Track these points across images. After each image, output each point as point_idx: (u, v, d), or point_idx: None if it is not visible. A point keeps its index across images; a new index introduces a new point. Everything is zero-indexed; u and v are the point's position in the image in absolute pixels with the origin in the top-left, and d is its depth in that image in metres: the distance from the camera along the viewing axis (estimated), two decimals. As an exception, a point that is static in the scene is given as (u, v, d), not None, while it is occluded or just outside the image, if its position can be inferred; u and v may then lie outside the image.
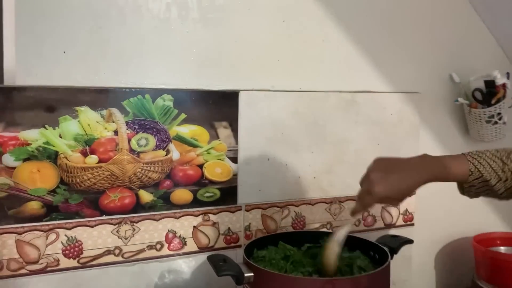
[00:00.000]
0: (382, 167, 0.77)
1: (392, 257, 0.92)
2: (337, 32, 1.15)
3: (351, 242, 0.96)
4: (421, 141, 1.27)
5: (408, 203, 1.26)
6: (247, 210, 1.08)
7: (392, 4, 1.21)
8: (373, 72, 1.21)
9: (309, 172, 1.15)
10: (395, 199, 0.77)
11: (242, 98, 1.05)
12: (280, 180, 1.11)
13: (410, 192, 0.77)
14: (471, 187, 0.79)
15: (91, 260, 0.94)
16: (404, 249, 1.27)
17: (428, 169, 0.77)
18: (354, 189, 0.91)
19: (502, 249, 1.24)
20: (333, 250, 0.83)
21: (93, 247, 0.94)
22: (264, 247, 0.97)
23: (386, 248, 0.91)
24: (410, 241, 0.97)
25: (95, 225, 0.94)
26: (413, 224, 1.28)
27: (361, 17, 1.18)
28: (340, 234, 0.84)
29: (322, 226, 1.17)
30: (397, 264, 1.27)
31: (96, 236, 0.94)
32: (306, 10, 1.11)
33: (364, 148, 1.20)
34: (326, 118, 1.16)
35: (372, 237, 1.05)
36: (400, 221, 1.26)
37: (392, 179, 0.75)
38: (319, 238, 0.99)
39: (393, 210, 1.25)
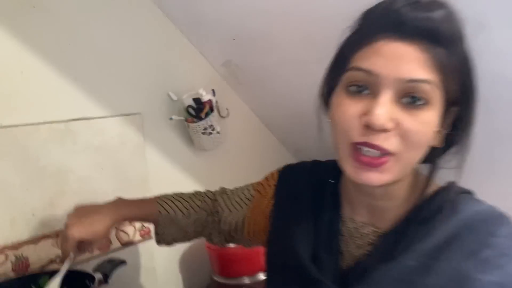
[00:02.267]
0: (78, 213, 0.87)
1: (107, 282, 0.95)
2: (39, 63, 1.11)
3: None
4: (148, 159, 1.34)
5: (143, 219, 1.32)
6: None
7: (104, 36, 1.23)
8: (89, 99, 1.21)
9: (27, 210, 1.09)
10: (90, 241, 0.86)
11: None
12: (-12, 226, 1.03)
13: (103, 232, 0.86)
14: (165, 228, 0.90)
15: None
16: (145, 262, 1.35)
17: (119, 211, 0.88)
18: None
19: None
20: None
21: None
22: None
23: (97, 275, 0.93)
24: (122, 262, 1.01)
25: None
26: (151, 237, 1.35)
27: (68, 47, 1.16)
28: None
29: (51, 262, 1.13)
30: (139, 278, 1.33)
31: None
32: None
33: (88, 175, 1.20)
34: (38, 152, 1.11)
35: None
36: (138, 237, 1.32)
37: (86, 222, 0.84)
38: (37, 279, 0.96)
39: (128, 228, 1.29)
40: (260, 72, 1.43)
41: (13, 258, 1.06)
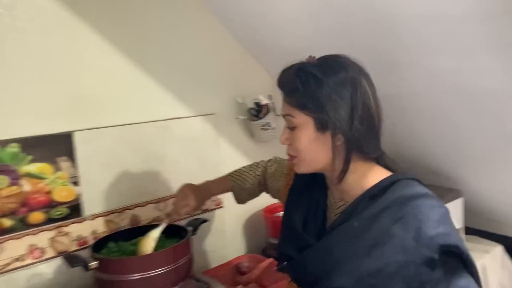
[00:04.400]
0: (187, 188, 1.30)
1: (195, 233, 1.39)
2: (146, 81, 1.56)
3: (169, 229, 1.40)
4: (222, 147, 1.77)
5: (216, 193, 1.75)
6: (92, 219, 1.44)
7: (192, 59, 1.67)
8: (180, 104, 1.65)
9: (139, 182, 1.55)
10: (193, 209, 1.29)
11: (77, 137, 1.40)
12: (116, 193, 1.50)
13: (200, 206, 1.31)
14: (238, 194, 1.32)
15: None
16: (218, 225, 1.78)
17: (209, 191, 1.34)
18: (174, 190, 1.37)
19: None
20: (147, 244, 1.26)
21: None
22: (106, 244, 1.35)
23: (189, 228, 1.37)
24: (205, 221, 1.44)
25: (-33, 251, 1.21)
26: (222, 207, 1.78)
27: (167, 68, 1.61)
28: (155, 233, 1.28)
29: (153, 220, 1.59)
30: (213, 236, 1.76)
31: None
32: (123, 71, 1.50)
33: (179, 158, 1.65)
34: (147, 141, 1.57)
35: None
36: (213, 206, 1.76)
37: (192, 198, 1.28)
38: (148, 230, 1.41)
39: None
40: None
41: (130, 215, 1.53)
